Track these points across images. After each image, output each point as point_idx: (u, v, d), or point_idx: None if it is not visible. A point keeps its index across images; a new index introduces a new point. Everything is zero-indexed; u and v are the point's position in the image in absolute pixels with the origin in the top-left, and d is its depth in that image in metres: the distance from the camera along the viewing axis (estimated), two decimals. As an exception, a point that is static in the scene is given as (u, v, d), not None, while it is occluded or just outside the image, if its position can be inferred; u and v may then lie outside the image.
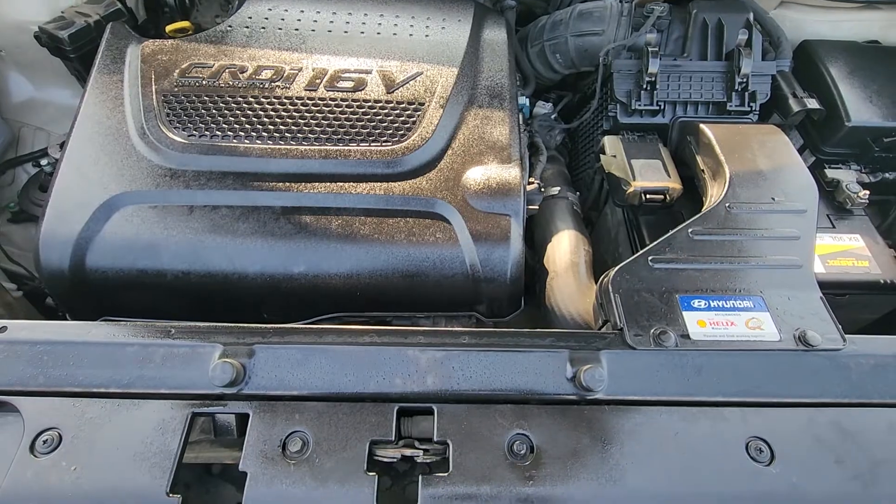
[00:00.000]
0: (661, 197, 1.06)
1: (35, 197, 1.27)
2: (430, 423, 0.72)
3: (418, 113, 1.03)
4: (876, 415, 0.74)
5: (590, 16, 1.26)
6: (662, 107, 1.16)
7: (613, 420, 0.73)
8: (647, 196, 1.06)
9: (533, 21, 1.42)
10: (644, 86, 1.15)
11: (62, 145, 1.19)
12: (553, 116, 1.34)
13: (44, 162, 1.23)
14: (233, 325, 0.80)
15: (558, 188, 1.17)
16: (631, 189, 1.06)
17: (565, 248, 1.04)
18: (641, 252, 0.88)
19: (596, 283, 1.02)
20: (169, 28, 1.33)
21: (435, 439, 0.71)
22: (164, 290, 0.94)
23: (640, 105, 1.15)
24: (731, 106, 1.15)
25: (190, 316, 1.01)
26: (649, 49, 1.13)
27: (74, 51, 1.28)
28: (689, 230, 0.90)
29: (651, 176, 1.08)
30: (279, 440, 0.70)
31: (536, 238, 1.13)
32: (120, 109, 1.02)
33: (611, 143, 1.15)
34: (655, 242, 0.89)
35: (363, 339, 0.78)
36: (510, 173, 0.98)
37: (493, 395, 0.75)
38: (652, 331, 0.78)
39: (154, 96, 1.02)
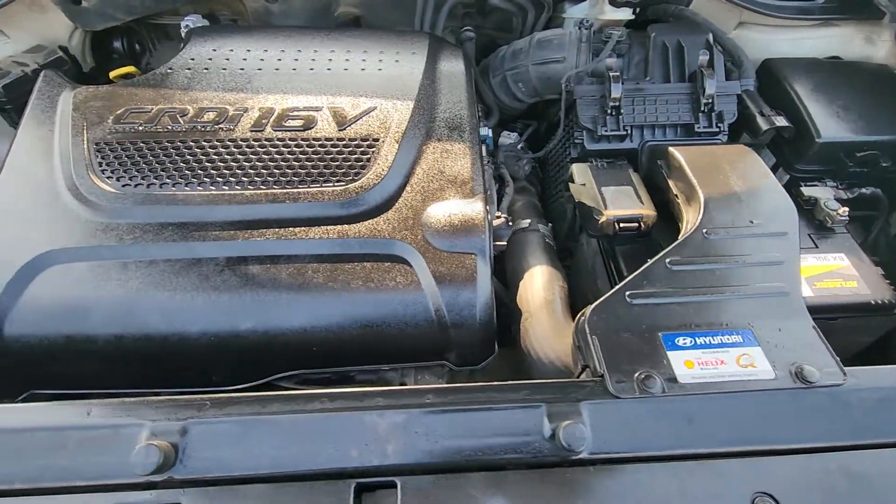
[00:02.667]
0: (636, 225, 1.00)
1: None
2: (396, 498, 0.63)
3: (372, 150, 0.97)
4: (886, 456, 0.67)
5: (549, 44, 1.23)
6: (629, 131, 1.12)
7: (600, 482, 0.64)
8: (621, 225, 1.00)
9: (494, 52, 1.39)
10: (609, 111, 1.11)
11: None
12: (520, 146, 1.30)
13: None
14: (164, 398, 0.70)
15: (528, 220, 1.11)
16: (603, 218, 1.00)
17: (538, 286, 0.97)
18: (617, 287, 0.81)
19: (574, 320, 0.96)
20: (113, 74, 1.27)
21: (398, 520, 0.62)
22: (96, 357, 0.84)
23: (606, 131, 1.11)
24: (699, 127, 1.12)
25: (130, 384, 0.91)
26: (611, 74, 1.10)
27: (10, 102, 1.20)
28: (667, 260, 0.84)
29: (623, 203, 1.03)
30: (215, 534, 0.60)
31: (508, 275, 1.06)
32: (48, 160, 0.94)
33: (579, 171, 1.10)
34: (632, 276, 0.82)
35: (313, 405, 0.69)
36: (473, 208, 0.92)
37: (464, 462, 0.66)
38: (636, 376, 0.71)
39: (85, 145, 0.94)
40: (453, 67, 1.13)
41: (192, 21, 1.24)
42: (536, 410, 0.68)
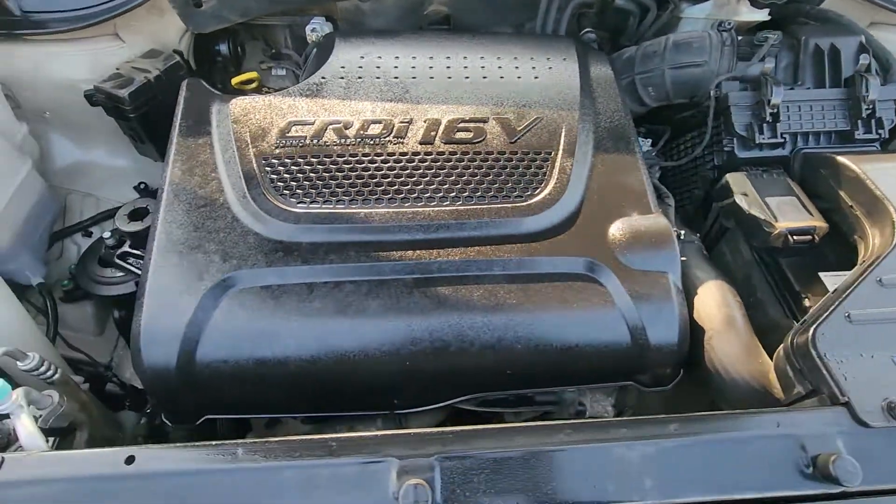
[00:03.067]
0: (809, 238, 0.97)
1: (94, 273, 1.14)
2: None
3: (547, 163, 0.93)
4: None
5: (688, 47, 1.19)
6: (785, 139, 1.09)
7: (872, 517, 0.62)
8: (795, 238, 0.97)
9: (615, 54, 1.35)
10: (766, 118, 1.08)
11: (133, 215, 1.07)
12: (654, 154, 1.27)
13: (105, 235, 1.09)
14: (402, 432, 0.68)
15: (682, 231, 1.08)
16: (776, 231, 0.98)
17: (716, 301, 0.94)
18: (833, 307, 0.78)
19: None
20: (235, 81, 1.23)
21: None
22: (286, 381, 0.81)
23: (763, 139, 1.08)
24: (858, 134, 1.09)
25: (310, 408, 0.89)
26: (769, 79, 1.07)
27: (134, 110, 1.16)
28: (878, 278, 0.81)
29: (793, 215, 1.00)
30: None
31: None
32: (214, 177, 0.90)
33: (737, 181, 1.07)
34: (843, 295, 0.80)
35: (558, 437, 0.66)
36: (659, 224, 0.89)
37: (723, 496, 0.63)
38: (882, 403, 0.69)
39: (254, 160, 0.90)
40: (603, 73, 1.09)
41: (318, 25, 1.20)
42: (790, 441, 0.66)
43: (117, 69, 1.20)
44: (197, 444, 0.66)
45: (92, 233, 1.28)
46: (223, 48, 1.38)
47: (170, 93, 1.07)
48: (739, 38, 1.16)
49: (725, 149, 1.13)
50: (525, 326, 0.82)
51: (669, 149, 1.36)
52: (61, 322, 1.19)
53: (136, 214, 1.07)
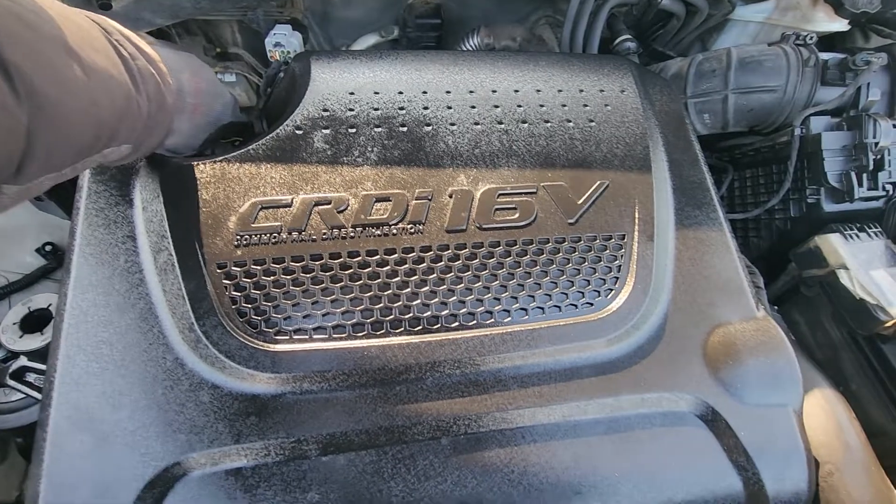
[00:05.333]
0: (930, 327, 0.78)
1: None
2: None
3: (621, 251, 0.68)
4: None
5: (759, 66, 0.95)
6: (890, 191, 0.88)
7: None
8: (914, 328, 0.78)
9: (655, 66, 1.10)
10: (868, 165, 0.86)
11: (27, 324, 0.76)
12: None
13: (-8, 345, 0.78)
14: None
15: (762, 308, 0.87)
16: (891, 321, 0.78)
17: (831, 420, 0.74)
18: None
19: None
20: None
21: None
22: None
23: (864, 192, 0.87)
24: (970, 184, 0.89)
25: None
26: (874, 116, 0.85)
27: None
28: None
29: (908, 296, 0.80)
30: None
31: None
32: (142, 294, 0.60)
33: (831, 250, 0.86)
34: None
35: None
36: (771, 334, 0.66)
37: None
38: None
39: (204, 269, 0.60)
40: (671, 109, 0.83)
41: (283, 38, 0.87)
42: None
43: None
44: None
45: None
46: (148, 57, 1.02)
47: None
48: (827, 58, 0.93)
49: (808, 200, 0.91)
50: (608, 494, 0.59)
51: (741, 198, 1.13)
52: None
53: (33, 322, 0.75)
